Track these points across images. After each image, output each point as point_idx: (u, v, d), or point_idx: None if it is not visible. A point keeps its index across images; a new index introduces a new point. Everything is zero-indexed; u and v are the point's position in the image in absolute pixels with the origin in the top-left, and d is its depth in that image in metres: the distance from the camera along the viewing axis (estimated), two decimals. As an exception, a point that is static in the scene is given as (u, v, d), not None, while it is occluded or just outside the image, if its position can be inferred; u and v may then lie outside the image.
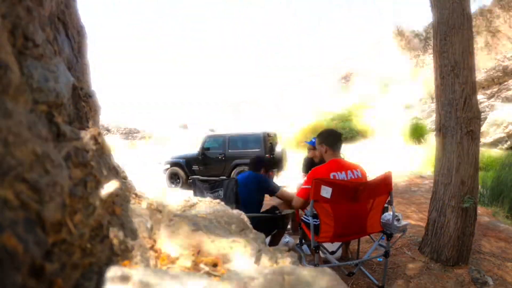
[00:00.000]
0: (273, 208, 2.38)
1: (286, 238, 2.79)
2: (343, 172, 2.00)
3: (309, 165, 3.61)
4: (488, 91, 11.31)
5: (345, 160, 2.16)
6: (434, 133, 2.58)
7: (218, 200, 0.80)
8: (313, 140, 3.44)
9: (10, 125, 0.28)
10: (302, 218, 2.17)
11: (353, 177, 2.00)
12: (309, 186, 2.01)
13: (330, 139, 2.15)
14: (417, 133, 11.07)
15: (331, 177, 1.94)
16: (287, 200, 2.44)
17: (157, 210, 0.64)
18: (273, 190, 2.45)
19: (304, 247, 2.31)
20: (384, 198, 1.96)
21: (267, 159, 2.68)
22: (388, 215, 2.13)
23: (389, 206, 2.04)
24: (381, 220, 2.03)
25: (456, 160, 2.25)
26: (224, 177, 2.46)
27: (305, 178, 2.16)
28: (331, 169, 2.01)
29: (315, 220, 1.89)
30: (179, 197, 0.73)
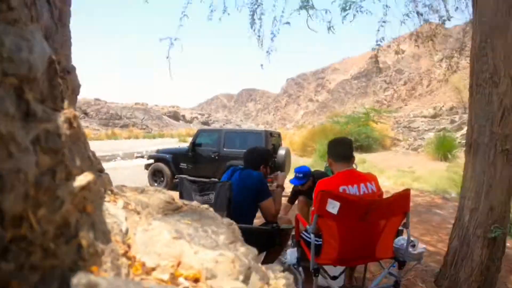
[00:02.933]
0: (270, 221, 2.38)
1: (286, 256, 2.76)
2: (355, 186, 2.00)
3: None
4: (530, 106, 11.30)
5: (358, 171, 2.16)
6: (464, 149, 2.58)
7: (207, 206, 0.80)
8: (300, 175, 2.98)
9: (-28, 98, 0.28)
10: (302, 235, 2.17)
11: (366, 191, 2.00)
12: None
13: (333, 149, 2.20)
14: (444, 147, 11.09)
15: (341, 191, 1.94)
16: (268, 214, 2.34)
17: (134, 211, 0.64)
18: (265, 196, 2.30)
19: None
20: (399, 219, 1.96)
21: (267, 152, 2.56)
22: (402, 239, 2.13)
23: (404, 229, 2.04)
24: (394, 245, 2.03)
25: (487, 182, 2.25)
26: (216, 180, 2.41)
27: None
28: (340, 182, 2.01)
29: (317, 238, 1.89)
30: (162, 198, 0.73)
